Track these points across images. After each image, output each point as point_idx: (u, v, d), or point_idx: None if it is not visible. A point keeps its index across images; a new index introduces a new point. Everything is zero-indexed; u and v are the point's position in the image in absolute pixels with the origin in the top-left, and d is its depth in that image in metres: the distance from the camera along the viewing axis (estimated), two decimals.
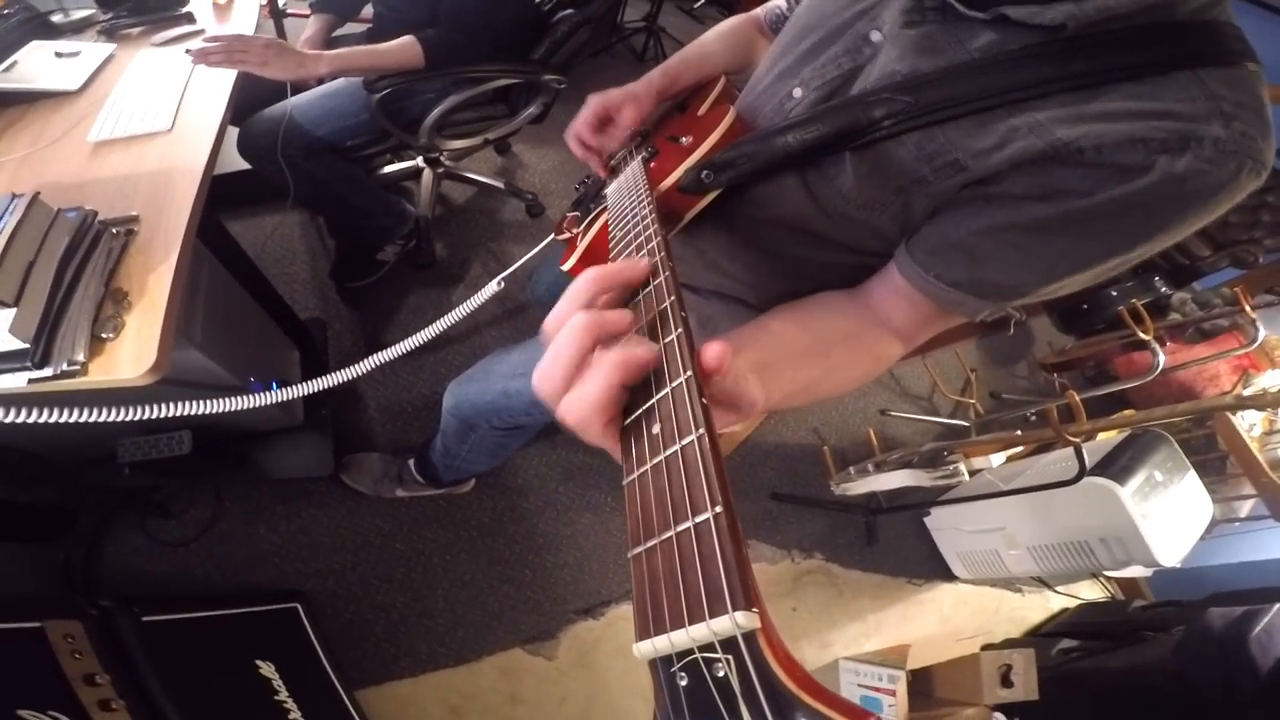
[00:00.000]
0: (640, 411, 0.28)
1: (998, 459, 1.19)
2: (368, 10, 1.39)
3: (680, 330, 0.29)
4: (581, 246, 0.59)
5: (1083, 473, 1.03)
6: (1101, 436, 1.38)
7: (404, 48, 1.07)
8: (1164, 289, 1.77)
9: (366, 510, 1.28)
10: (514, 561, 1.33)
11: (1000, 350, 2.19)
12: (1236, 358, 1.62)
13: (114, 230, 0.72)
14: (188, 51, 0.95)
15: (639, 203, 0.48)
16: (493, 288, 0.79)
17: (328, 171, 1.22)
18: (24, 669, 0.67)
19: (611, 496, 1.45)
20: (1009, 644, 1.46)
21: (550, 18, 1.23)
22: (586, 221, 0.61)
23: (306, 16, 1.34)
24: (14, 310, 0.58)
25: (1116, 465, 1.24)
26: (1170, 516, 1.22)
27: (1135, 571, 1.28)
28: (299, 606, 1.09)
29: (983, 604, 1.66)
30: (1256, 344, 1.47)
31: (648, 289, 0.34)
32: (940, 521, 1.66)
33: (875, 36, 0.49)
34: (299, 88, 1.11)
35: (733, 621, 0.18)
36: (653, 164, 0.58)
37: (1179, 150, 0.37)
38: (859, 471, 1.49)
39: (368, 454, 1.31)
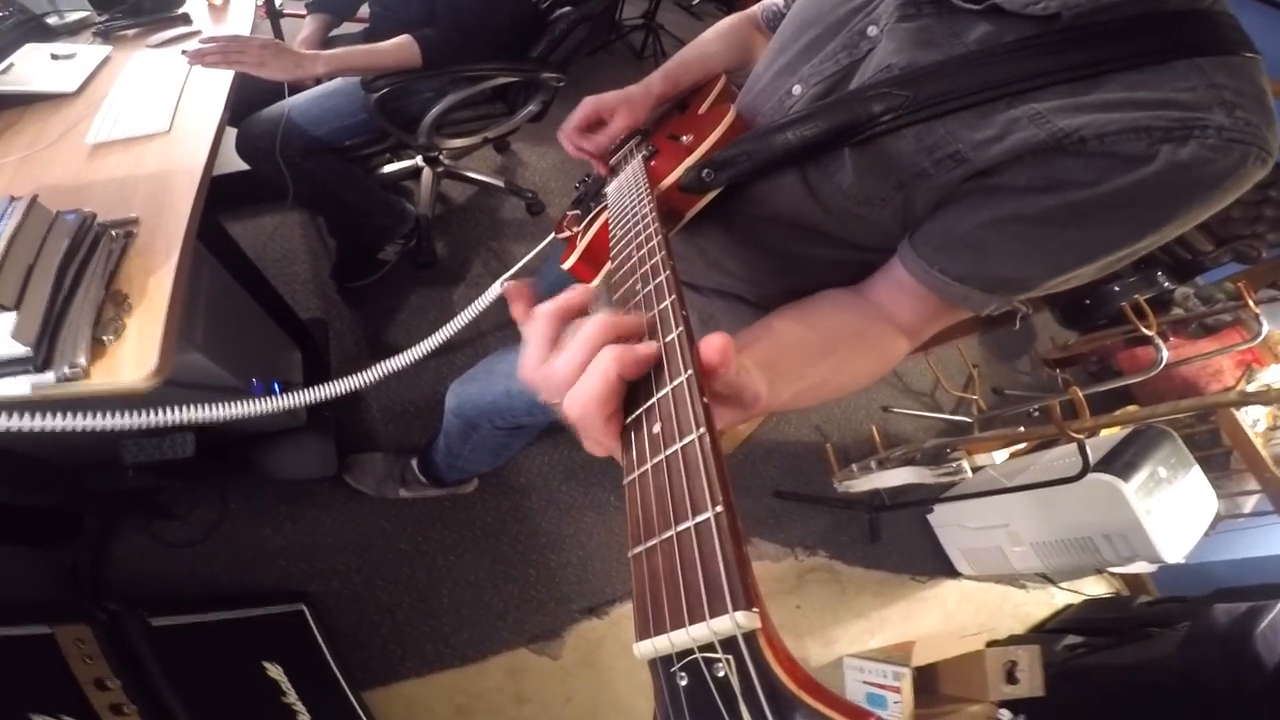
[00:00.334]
0: (641, 410, 0.27)
1: (1001, 456, 1.18)
2: (364, 10, 1.38)
3: (681, 329, 0.29)
4: (582, 245, 0.58)
5: (1086, 469, 1.03)
6: (1105, 432, 1.38)
7: (401, 47, 1.06)
8: (1167, 284, 1.77)
9: (370, 511, 1.28)
10: (518, 561, 1.33)
11: (1003, 346, 2.19)
12: (1240, 353, 1.62)
13: (113, 233, 0.72)
14: (184, 53, 0.94)
15: (639, 201, 0.48)
16: (496, 290, 0.78)
17: (327, 171, 1.22)
18: (36, 673, 0.67)
19: (614, 495, 1.45)
20: (1014, 640, 1.45)
21: (548, 16, 1.23)
22: (587, 220, 0.61)
23: (303, 17, 1.33)
24: (15, 314, 0.57)
25: (1120, 461, 1.24)
26: (1174, 512, 1.22)
27: (1140, 567, 1.28)
28: (304, 608, 1.09)
29: (987, 600, 1.66)
30: (1260, 339, 1.47)
31: (648, 287, 0.34)
32: (943, 518, 1.66)
33: (872, 31, 0.49)
34: (297, 88, 1.10)
35: (733, 621, 0.18)
36: (653, 163, 0.58)
37: (1182, 139, 0.37)
38: (862, 469, 1.49)
39: (371, 454, 1.31)
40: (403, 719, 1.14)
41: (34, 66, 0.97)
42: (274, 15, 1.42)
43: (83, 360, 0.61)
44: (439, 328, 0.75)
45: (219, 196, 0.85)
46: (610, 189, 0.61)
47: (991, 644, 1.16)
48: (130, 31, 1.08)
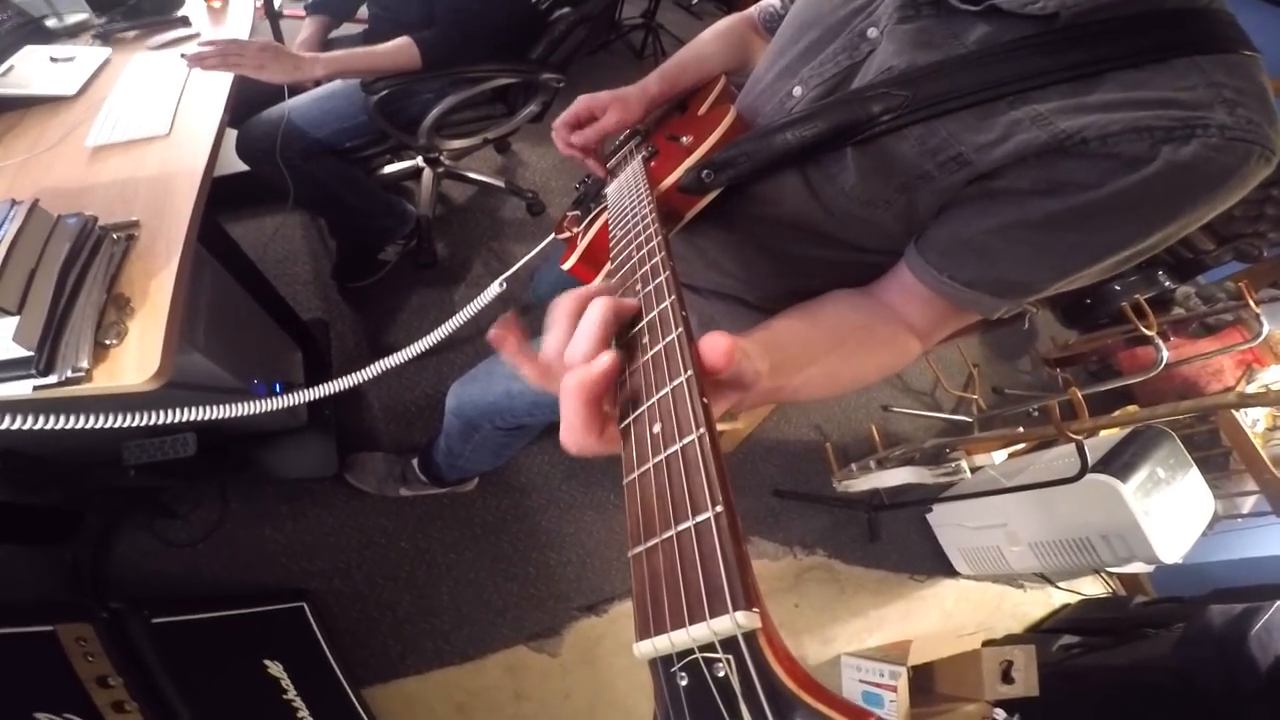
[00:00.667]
0: (640, 411, 0.28)
1: (1000, 456, 1.18)
2: (363, 11, 1.38)
3: (680, 330, 0.29)
4: (582, 246, 0.59)
5: (1085, 470, 1.03)
6: (1104, 433, 1.38)
7: (400, 49, 1.07)
8: (1168, 283, 1.76)
9: (371, 509, 1.29)
10: (518, 559, 1.33)
11: (1003, 345, 2.19)
12: (1240, 352, 1.61)
13: (115, 236, 0.72)
14: (183, 55, 0.94)
15: (639, 202, 0.48)
16: (495, 289, 0.79)
17: (327, 173, 1.22)
18: (38, 672, 0.68)
19: (614, 494, 1.45)
20: (1010, 640, 1.45)
21: (547, 17, 1.23)
22: (587, 221, 0.61)
23: (302, 18, 1.33)
24: (17, 318, 0.58)
25: (1119, 462, 1.24)
26: (1172, 513, 1.22)
27: (1137, 568, 1.28)
28: (305, 606, 1.10)
29: (984, 600, 1.67)
30: (1261, 339, 1.46)
31: (648, 288, 0.34)
32: (942, 518, 1.66)
33: (872, 33, 0.49)
34: (296, 90, 1.11)
35: (733, 621, 0.18)
36: (653, 163, 0.58)
37: (1184, 139, 0.37)
38: (861, 468, 1.49)
39: (371, 454, 1.31)
40: (402, 716, 1.15)
41: (33, 69, 0.98)
42: (273, 16, 1.42)
43: (85, 363, 0.61)
44: (435, 330, 0.75)
45: (219, 198, 0.85)
46: (610, 190, 0.61)
47: (988, 643, 1.16)
48: (130, 34, 1.08)
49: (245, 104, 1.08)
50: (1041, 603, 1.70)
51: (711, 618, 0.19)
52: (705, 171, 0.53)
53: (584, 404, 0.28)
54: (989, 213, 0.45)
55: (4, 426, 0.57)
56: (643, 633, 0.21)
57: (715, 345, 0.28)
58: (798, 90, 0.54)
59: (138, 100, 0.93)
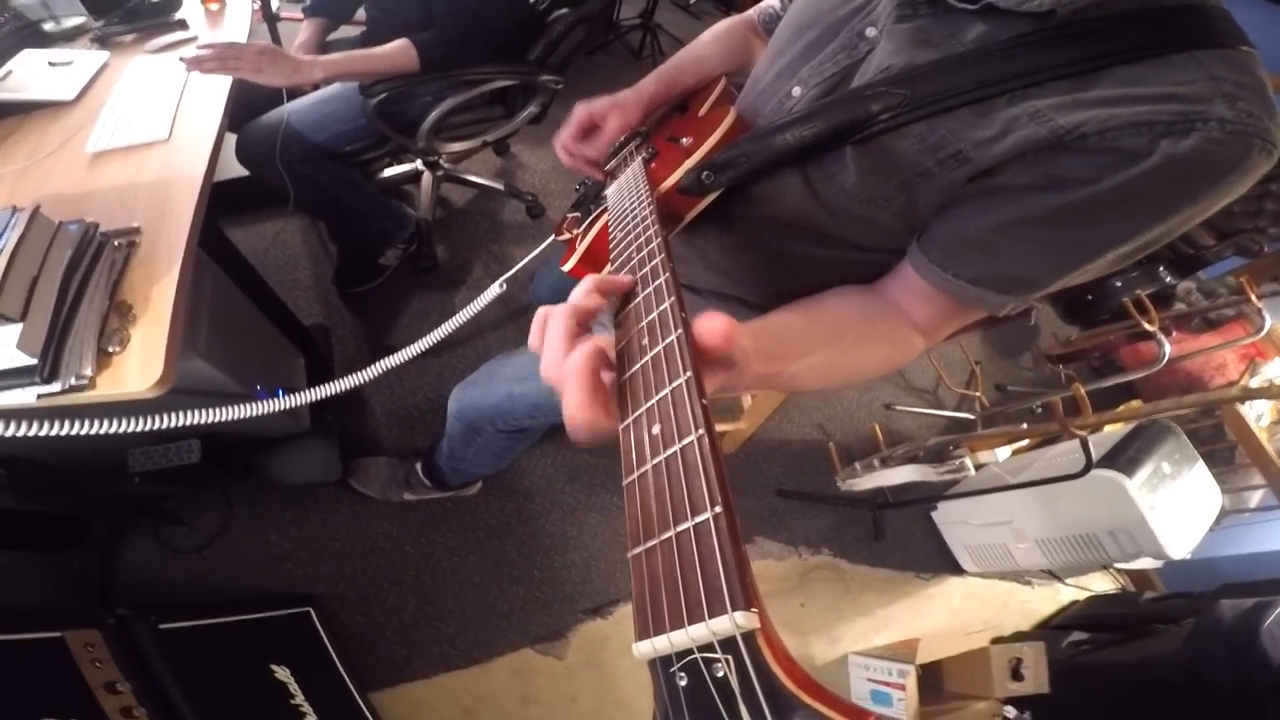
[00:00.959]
0: (640, 412, 0.28)
1: (1004, 453, 1.18)
2: (361, 14, 1.38)
3: (680, 331, 0.29)
4: (581, 247, 0.59)
5: (1089, 465, 1.03)
6: (1108, 428, 1.38)
7: (399, 51, 1.07)
8: (1169, 279, 1.76)
9: (375, 514, 1.29)
10: (522, 562, 1.33)
11: (1005, 342, 2.18)
12: (1243, 346, 1.61)
13: (116, 242, 0.72)
14: (182, 59, 0.94)
15: (639, 204, 0.48)
16: (495, 290, 0.79)
17: (327, 177, 1.22)
18: (47, 678, 0.68)
19: (617, 496, 1.45)
20: (1019, 637, 1.45)
21: (545, 18, 1.23)
22: (587, 223, 0.61)
23: (300, 21, 1.33)
24: (20, 325, 0.58)
25: (1124, 457, 1.23)
26: (1179, 508, 1.21)
27: (1145, 563, 1.27)
28: (311, 610, 1.10)
29: (991, 597, 1.66)
30: (1263, 333, 1.46)
31: (648, 289, 0.34)
32: (947, 515, 1.65)
33: (870, 32, 0.49)
34: (295, 93, 1.11)
35: (732, 622, 0.18)
36: (653, 165, 0.58)
37: (1184, 133, 0.37)
38: (865, 467, 1.49)
39: (374, 458, 1.31)
40: None
41: (31, 74, 0.97)
42: (271, 19, 1.42)
43: (88, 371, 0.62)
44: (434, 330, 0.75)
45: (220, 203, 0.85)
46: (610, 191, 0.61)
47: (996, 641, 1.16)
48: (127, 37, 1.08)
49: (244, 108, 1.08)
50: (1049, 599, 1.69)
51: (710, 618, 0.19)
52: (705, 173, 0.53)
53: (580, 385, 0.30)
54: (990, 210, 0.45)
55: (9, 434, 0.57)
56: (642, 633, 0.21)
57: (715, 327, 0.30)
58: (797, 90, 0.55)
59: (137, 105, 0.93)
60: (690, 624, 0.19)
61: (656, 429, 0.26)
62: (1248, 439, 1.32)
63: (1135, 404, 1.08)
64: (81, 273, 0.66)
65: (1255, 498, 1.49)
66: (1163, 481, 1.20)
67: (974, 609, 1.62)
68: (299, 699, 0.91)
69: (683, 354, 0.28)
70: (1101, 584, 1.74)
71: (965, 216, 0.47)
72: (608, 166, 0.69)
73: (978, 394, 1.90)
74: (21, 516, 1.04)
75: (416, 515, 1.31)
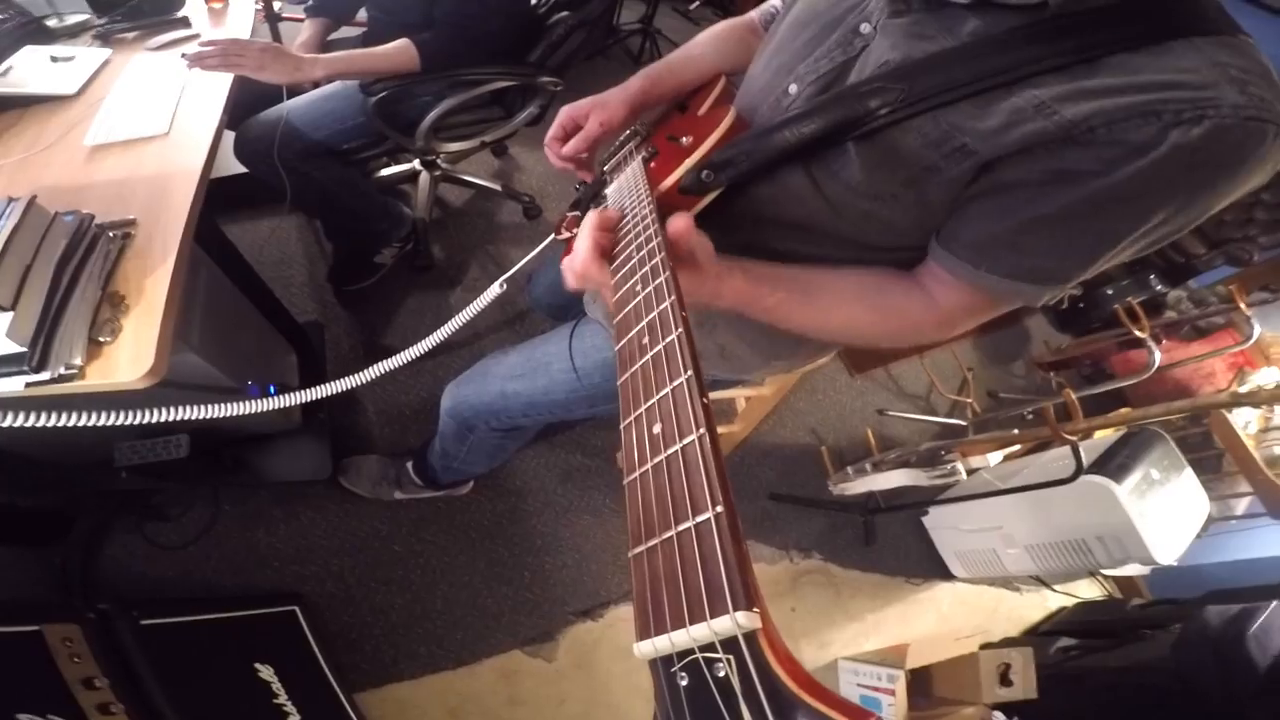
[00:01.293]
0: (641, 410, 0.28)
1: (995, 458, 1.19)
2: (363, 14, 1.39)
3: (680, 330, 0.29)
4: None
5: (1079, 471, 1.04)
6: (1098, 435, 1.39)
7: (400, 51, 1.07)
8: (1159, 287, 1.78)
9: (365, 513, 1.28)
10: (513, 563, 1.33)
11: (997, 349, 2.20)
12: (1232, 355, 1.63)
13: (111, 234, 0.72)
14: (184, 55, 0.94)
15: (639, 203, 0.48)
16: (495, 290, 0.79)
17: (325, 175, 1.22)
18: (23, 672, 0.67)
19: (610, 498, 1.45)
20: (1008, 643, 1.46)
21: (546, 20, 1.24)
22: None
23: (301, 20, 1.34)
24: (11, 314, 0.58)
25: (1113, 463, 1.24)
26: (1167, 514, 1.22)
27: (1133, 570, 1.28)
28: (297, 609, 1.09)
29: (981, 603, 1.66)
30: (1252, 341, 1.48)
31: (648, 289, 0.34)
32: (938, 521, 1.66)
33: (865, 28, 0.50)
34: (295, 91, 1.11)
35: (733, 621, 0.18)
36: (653, 164, 0.58)
37: (1194, 120, 0.37)
38: (857, 471, 1.49)
39: (366, 456, 1.31)
40: None
41: (33, 68, 0.98)
42: (272, 19, 1.43)
43: (78, 360, 0.61)
44: (435, 331, 0.75)
45: (217, 199, 0.85)
46: (610, 191, 0.62)
47: (985, 647, 1.16)
48: (130, 34, 1.08)
49: (243, 106, 1.08)
50: (1038, 606, 1.70)
51: (712, 618, 0.19)
52: (705, 172, 0.53)
53: (587, 242, 0.44)
54: (1009, 209, 0.45)
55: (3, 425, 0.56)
56: (643, 633, 0.21)
57: (675, 223, 0.42)
58: (793, 88, 0.55)
59: (137, 100, 0.93)
60: (692, 623, 0.19)
61: (657, 428, 0.26)
62: (1235, 446, 1.33)
63: (1125, 410, 1.09)
64: (75, 263, 0.66)
65: (1242, 505, 1.50)
66: (1151, 488, 1.21)
67: (963, 614, 1.63)
68: (282, 698, 0.90)
69: (683, 353, 0.28)
70: (1089, 590, 1.75)
71: (986, 215, 0.47)
72: (607, 166, 0.69)
73: (969, 400, 1.91)
74: (5, 510, 1.03)
75: (407, 514, 1.30)
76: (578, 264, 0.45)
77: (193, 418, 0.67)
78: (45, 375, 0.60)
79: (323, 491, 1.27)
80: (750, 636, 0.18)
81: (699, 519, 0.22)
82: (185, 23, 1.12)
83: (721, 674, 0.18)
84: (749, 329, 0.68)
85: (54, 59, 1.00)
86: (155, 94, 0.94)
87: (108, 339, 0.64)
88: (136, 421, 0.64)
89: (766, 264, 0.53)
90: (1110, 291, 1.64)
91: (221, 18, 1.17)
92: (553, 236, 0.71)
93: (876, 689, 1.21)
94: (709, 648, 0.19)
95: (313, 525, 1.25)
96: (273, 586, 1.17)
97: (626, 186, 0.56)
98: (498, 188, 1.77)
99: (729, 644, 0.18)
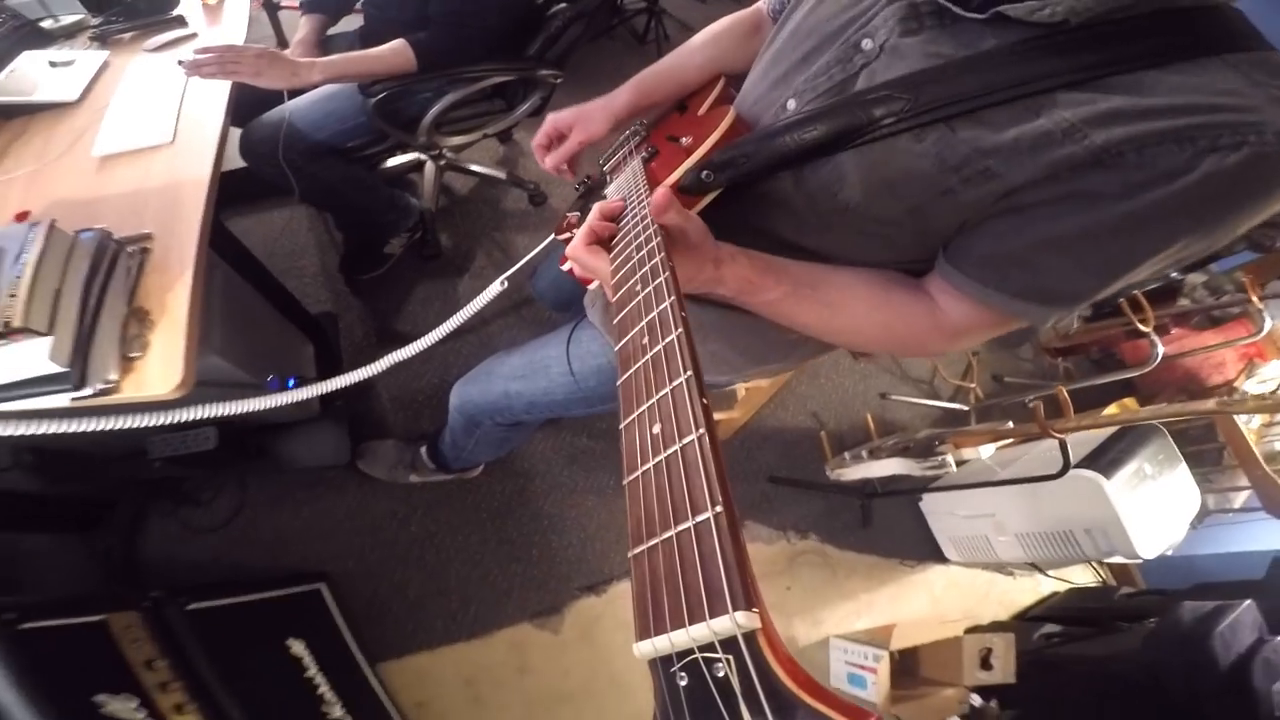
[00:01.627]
0: (641, 410, 0.28)
1: (987, 450, 1.20)
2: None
3: (680, 330, 0.30)
4: None
5: (1066, 468, 1.05)
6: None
7: (395, 52, 1.07)
8: (1174, 274, 1.74)
9: (382, 495, 1.35)
10: (522, 541, 1.39)
11: (1005, 334, 2.17)
12: (1244, 346, 1.60)
13: (130, 249, 0.75)
14: (181, 63, 0.94)
15: (639, 203, 0.48)
16: (496, 288, 0.80)
17: (330, 173, 1.24)
18: (94, 658, 0.74)
19: (613, 479, 1.50)
20: (995, 627, 1.48)
21: (544, 13, 1.22)
22: None
23: (298, 9, 1.33)
24: (50, 339, 0.62)
25: (1106, 457, 1.25)
26: (1155, 510, 1.23)
27: (1120, 559, 1.31)
28: (323, 587, 1.16)
29: (973, 586, 1.70)
30: (1264, 333, 1.45)
31: (648, 289, 0.35)
32: (934, 505, 1.68)
33: (867, 45, 0.48)
34: (296, 91, 1.12)
35: (733, 621, 0.18)
36: (653, 164, 0.58)
37: (1233, 147, 0.35)
38: (853, 458, 1.51)
39: (382, 441, 1.36)
40: (414, 690, 1.23)
41: (34, 74, 0.98)
42: (271, 8, 1.42)
43: (114, 375, 0.66)
44: (445, 318, 0.76)
45: (226, 194, 0.86)
46: (609, 190, 0.62)
47: (971, 630, 1.20)
48: (126, 35, 1.08)
49: (247, 104, 1.09)
50: (1030, 590, 1.72)
51: (711, 618, 0.19)
52: (705, 172, 0.52)
53: (585, 232, 0.46)
54: (1024, 228, 0.44)
55: (52, 431, 0.61)
56: (643, 633, 0.21)
57: (654, 197, 0.42)
58: (792, 103, 0.53)
59: (139, 107, 0.94)
60: (691, 624, 0.19)
61: (657, 428, 0.26)
62: (1236, 441, 1.33)
63: (1114, 410, 1.09)
64: (100, 282, 0.70)
65: (1240, 498, 1.50)
66: (1142, 483, 1.22)
67: (955, 597, 1.67)
68: (313, 671, 0.98)
69: (683, 353, 0.28)
70: (1083, 576, 1.77)
71: (999, 234, 0.45)
72: (607, 166, 0.69)
73: (972, 386, 1.90)
74: (49, 500, 1.11)
75: (422, 496, 1.36)
76: (571, 250, 0.47)
77: (223, 415, 0.70)
78: (87, 391, 0.64)
79: (342, 474, 1.33)
80: (750, 637, 0.18)
81: (698, 519, 0.21)
82: (181, 21, 1.11)
83: (721, 674, 0.18)
84: (742, 335, 0.69)
85: (53, 64, 1.00)
86: (157, 100, 0.94)
87: (138, 354, 0.68)
88: (170, 422, 0.68)
89: (773, 256, 0.52)
90: None
91: (216, 14, 1.15)
92: (552, 237, 0.71)
93: (863, 667, 1.26)
94: (708, 648, 0.19)
95: (334, 507, 1.32)
96: (299, 565, 1.25)
97: (626, 186, 0.56)
98: (503, 176, 1.77)
99: (728, 644, 0.18)
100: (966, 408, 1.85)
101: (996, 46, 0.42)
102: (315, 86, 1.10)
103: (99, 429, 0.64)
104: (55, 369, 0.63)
